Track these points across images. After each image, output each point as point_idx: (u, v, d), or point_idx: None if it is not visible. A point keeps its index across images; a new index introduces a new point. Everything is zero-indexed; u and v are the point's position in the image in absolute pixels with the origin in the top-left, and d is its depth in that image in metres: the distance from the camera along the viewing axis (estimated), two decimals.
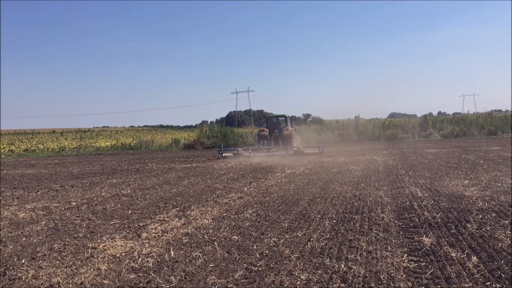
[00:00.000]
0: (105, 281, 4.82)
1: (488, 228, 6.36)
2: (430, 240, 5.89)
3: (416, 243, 5.80)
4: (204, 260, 5.45)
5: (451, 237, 6.03)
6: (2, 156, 37.01)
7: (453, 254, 5.23)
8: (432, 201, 8.63)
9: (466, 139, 36.44)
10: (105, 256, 5.74)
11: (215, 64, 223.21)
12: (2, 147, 42.96)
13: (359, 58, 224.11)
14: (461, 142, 32.46)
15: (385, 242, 5.92)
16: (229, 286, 4.57)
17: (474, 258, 5.05)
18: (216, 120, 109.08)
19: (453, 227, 6.55)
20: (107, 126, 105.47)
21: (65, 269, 5.25)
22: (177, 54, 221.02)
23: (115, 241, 6.49)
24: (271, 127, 27.89)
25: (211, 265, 5.23)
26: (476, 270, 4.68)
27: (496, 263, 4.89)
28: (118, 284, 4.76)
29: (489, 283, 4.35)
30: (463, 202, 8.38)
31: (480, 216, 7.16)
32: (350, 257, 5.29)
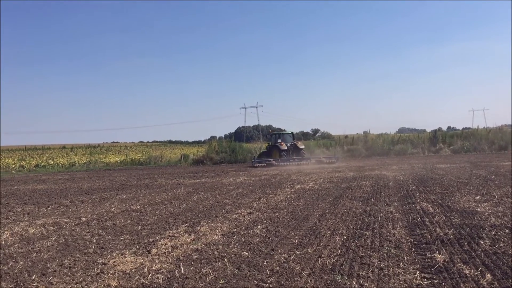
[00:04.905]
0: None
1: (502, 245, 6.27)
2: (442, 256, 5.82)
3: (429, 260, 5.73)
4: (214, 276, 5.42)
5: (464, 253, 5.95)
6: (13, 171, 37.31)
7: (467, 271, 5.16)
8: (444, 217, 8.54)
9: (476, 154, 36.17)
10: (115, 272, 5.73)
11: (224, 79, 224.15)
12: (13, 162, 43.38)
13: (366, 72, 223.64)
14: (471, 157, 32.21)
15: (397, 258, 5.86)
16: None
17: (488, 275, 4.97)
18: (225, 135, 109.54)
19: (466, 243, 6.47)
20: (117, 142, 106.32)
21: (75, 285, 5.25)
22: (185, 69, 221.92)
23: (125, 257, 6.49)
24: (284, 141, 33.27)
25: (221, 282, 5.20)
26: None
27: (510, 280, 4.81)
28: None
29: None
30: (476, 218, 8.28)
31: (493, 232, 7.07)
32: (361, 274, 5.23)
